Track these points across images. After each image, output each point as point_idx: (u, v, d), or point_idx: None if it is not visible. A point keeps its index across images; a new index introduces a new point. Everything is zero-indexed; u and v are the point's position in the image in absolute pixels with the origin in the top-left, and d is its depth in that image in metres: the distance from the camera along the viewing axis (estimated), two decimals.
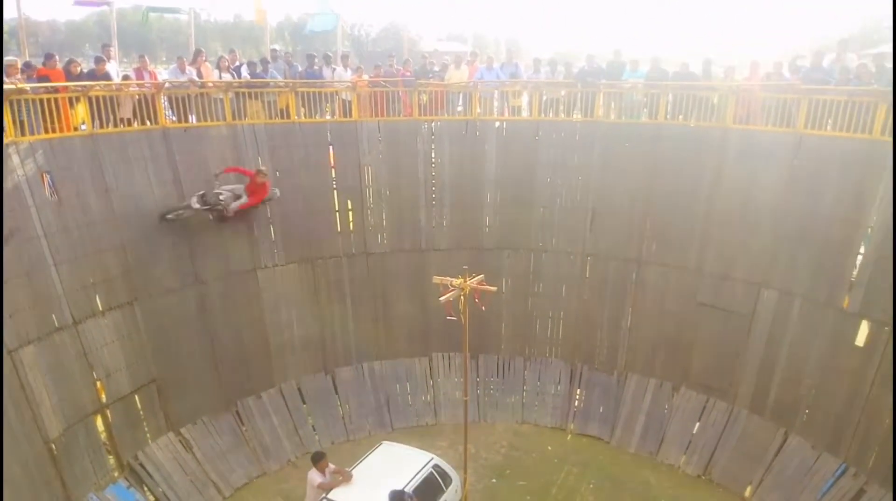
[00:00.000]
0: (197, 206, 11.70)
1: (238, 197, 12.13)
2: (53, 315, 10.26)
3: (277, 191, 12.83)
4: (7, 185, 9.66)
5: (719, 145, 12.49)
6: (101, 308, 10.94)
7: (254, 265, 13.12)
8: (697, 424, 12.89)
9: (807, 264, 11.51)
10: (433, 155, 14.39)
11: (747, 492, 11.82)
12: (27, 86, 10.20)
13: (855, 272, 11.10)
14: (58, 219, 10.30)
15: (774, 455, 11.81)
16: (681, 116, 13.17)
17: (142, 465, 11.21)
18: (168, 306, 11.90)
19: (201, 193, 11.81)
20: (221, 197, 11.86)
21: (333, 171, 13.84)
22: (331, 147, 13.79)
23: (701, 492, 11.99)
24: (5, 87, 9.76)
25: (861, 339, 10.85)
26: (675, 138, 12.99)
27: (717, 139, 12.52)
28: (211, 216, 12.27)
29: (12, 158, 9.75)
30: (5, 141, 9.69)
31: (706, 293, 12.89)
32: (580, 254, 14.21)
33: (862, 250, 10.98)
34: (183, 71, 12.55)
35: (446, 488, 10.53)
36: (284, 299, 13.59)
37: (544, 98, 14.35)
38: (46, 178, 10.32)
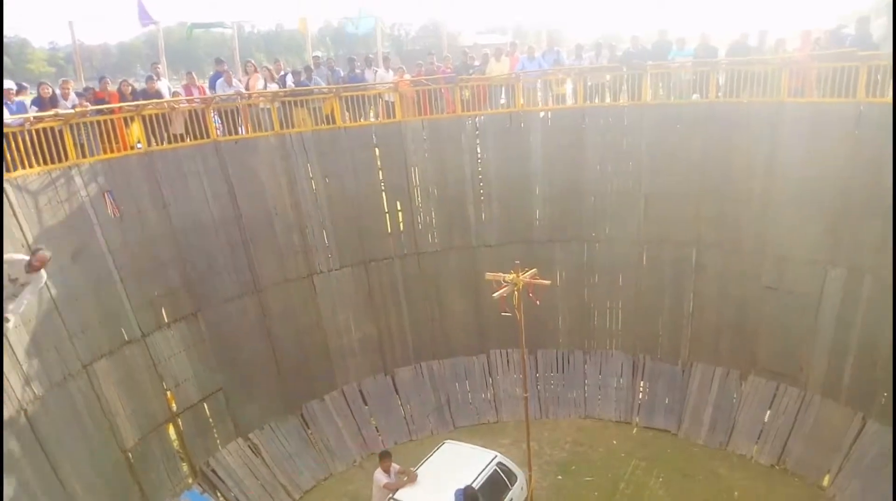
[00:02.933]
0: None
1: None
2: (123, 329, 10.67)
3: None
4: (72, 205, 10.07)
5: (774, 120, 11.93)
6: (166, 320, 11.32)
7: (309, 271, 13.31)
8: (768, 412, 12.44)
9: (874, 240, 10.93)
10: (479, 150, 14.28)
11: (825, 481, 11.36)
12: (87, 107, 10.57)
13: None
14: (120, 235, 10.68)
15: (852, 441, 11.30)
16: (733, 94, 12.66)
17: (213, 471, 11.55)
18: (229, 315, 12.21)
19: None
20: None
21: (381, 173, 13.89)
22: (376, 149, 13.85)
23: (775, 483, 11.58)
24: (65, 110, 10.15)
25: None
26: (728, 116, 12.47)
27: (771, 114, 11.96)
28: None
29: (75, 180, 10.15)
30: (68, 163, 10.08)
31: (769, 275, 12.41)
32: (635, 241, 13.88)
33: None
34: (230, 84, 12.79)
35: (511, 486, 10.47)
36: (341, 302, 13.76)
37: (589, 84, 14.02)
38: (108, 197, 10.70)
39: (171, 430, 11.35)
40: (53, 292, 9.45)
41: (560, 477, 12.10)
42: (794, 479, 11.61)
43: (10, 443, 8.39)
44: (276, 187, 12.71)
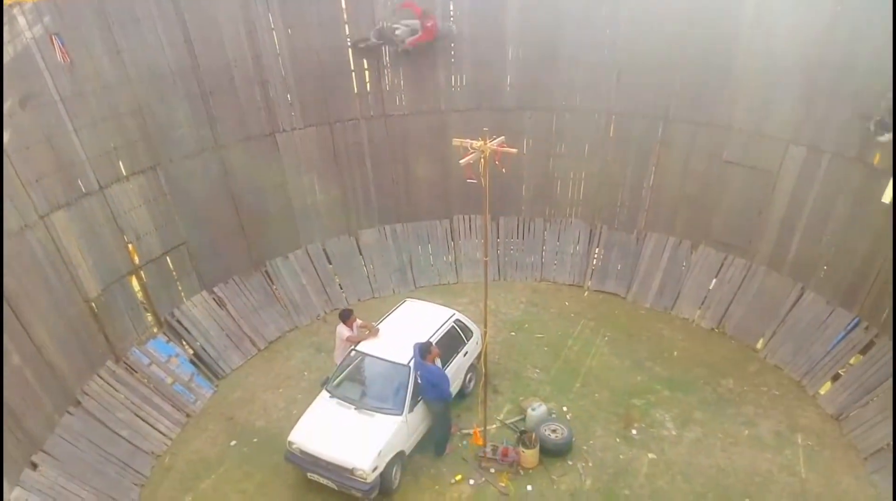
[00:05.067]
0: (374, 40, 13.02)
1: (414, 32, 12.98)
2: (80, 181, 10.45)
3: (454, 27, 13.51)
4: (17, 48, 9.47)
5: None
6: (125, 173, 11.10)
7: (272, 129, 13.01)
8: (714, 280, 13.10)
9: (839, 120, 11.05)
10: (451, 8, 13.63)
11: (759, 344, 12.23)
12: None
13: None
14: (72, 83, 10.15)
15: (789, 309, 12.06)
16: None
17: (178, 321, 11.90)
18: (191, 170, 12.02)
19: (378, 27, 12.98)
20: (397, 31, 12.86)
21: (347, 27, 13.26)
22: (343, 1, 13.11)
23: (713, 344, 12.44)
24: None
25: (888, 196, 10.63)
26: None
27: None
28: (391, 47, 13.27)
29: (18, 20, 9.46)
30: (9, 0, 9.37)
31: (733, 151, 12.56)
32: (605, 112, 13.77)
33: None
34: None
35: (467, 340, 11.08)
36: (305, 163, 13.61)
37: None
38: (56, 41, 10.07)
39: (135, 282, 11.51)
40: (4, 138, 9.13)
41: (513, 334, 12.81)
42: (732, 341, 12.46)
43: None
44: (236, 37, 12.07)
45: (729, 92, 12.28)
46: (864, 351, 10.95)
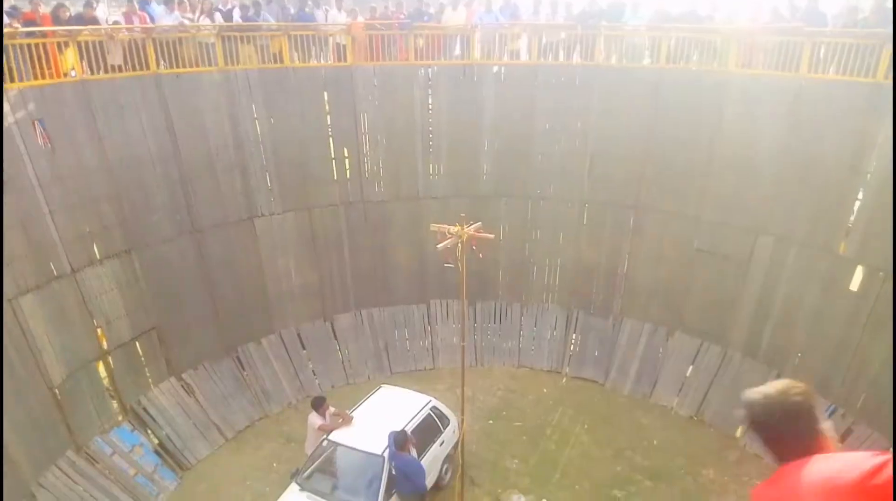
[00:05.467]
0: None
1: None
2: (51, 264, 10.32)
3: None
4: None
5: (721, 90, 12.21)
6: (98, 257, 11.00)
7: (250, 214, 13.10)
8: (691, 367, 13.12)
9: (804, 211, 11.48)
10: (430, 101, 14.17)
11: (738, 432, 12.10)
12: (19, 29, 9.96)
13: (852, 218, 11.08)
14: (51, 168, 10.21)
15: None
16: (683, 61, 12.86)
17: (144, 409, 11.49)
18: (166, 254, 11.95)
19: None
20: None
21: (329, 117, 13.65)
22: (325, 93, 13.57)
23: (692, 432, 12.29)
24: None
25: (855, 284, 10.92)
26: (677, 83, 12.70)
27: (719, 84, 12.23)
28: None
29: (2, 105, 9.60)
30: None
31: (704, 240, 12.90)
32: (578, 201, 14.17)
33: (860, 195, 10.93)
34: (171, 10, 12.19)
35: (444, 428, 10.80)
36: (282, 247, 13.64)
37: (543, 41, 14.01)
38: (38, 126, 10.19)
39: (102, 368, 11.17)
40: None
41: (491, 422, 12.54)
42: (710, 429, 12.33)
43: None
44: (219, 126, 12.34)
45: (698, 183, 12.74)
46: (842, 439, 10.87)
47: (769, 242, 12.06)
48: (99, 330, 11.03)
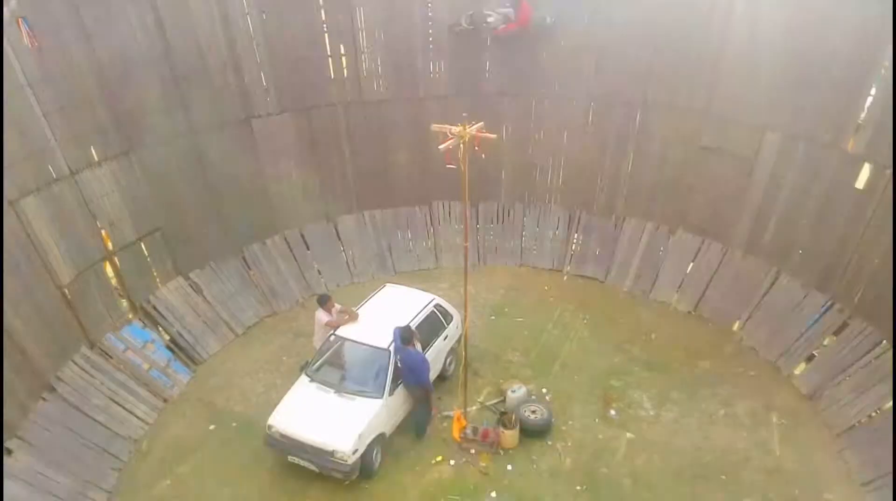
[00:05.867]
0: (465, 25, 13.16)
1: (507, 19, 13.02)
2: (50, 166, 10.22)
3: (549, 18, 13.22)
4: None
5: None
6: (96, 159, 10.88)
7: (247, 115, 12.85)
8: (691, 264, 13.23)
9: (813, 106, 11.15)
10: None
11: (735, 327, 12.38)
12: None
13: (863, 114, 10.77)
14: (41, 68, 9.90)
15: (764, 292, 12.21)
16: None
17: (154, 307, 11.74)
18: (165, 156, 11.81)
19: (470, 13, 13.05)
20: (489, 19, 12.95)
21: (322, 12, 13.10)
22: None
23: (690, 326, 12.57)
24: None
25: (861, 181, 10.78)
26: None
27: None
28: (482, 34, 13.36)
29: None
30: None
31: (710, 137, 12.65)
32: (584, 98, 13.81)
33: (873, 91, 10.59)
34: None
35: (447, 324, 11.08)
36: (282, 149, 13.46)
37: None
38: (23, 24, 9.82)
39: (108, 268, 11.32)
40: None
41: (493, 318, 12.85)
42: (708, 324, 12.60)
43: None
44: (209, 21, 11.86)
45: (706, 78, 12.35)
46: (837, 332, 11.13)
47: (776, 138, 11.83)
48: (103, 231, 11.10)
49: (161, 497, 9.37)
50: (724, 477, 9.49)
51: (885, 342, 10.27)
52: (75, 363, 10.18)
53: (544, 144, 14.53)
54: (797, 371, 11.30)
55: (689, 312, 12.91)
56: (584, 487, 9.43)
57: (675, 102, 12.87)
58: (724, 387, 11.10)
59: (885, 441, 9.21)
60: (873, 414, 9.89)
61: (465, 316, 9.85)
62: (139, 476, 9.65)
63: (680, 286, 13.19)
